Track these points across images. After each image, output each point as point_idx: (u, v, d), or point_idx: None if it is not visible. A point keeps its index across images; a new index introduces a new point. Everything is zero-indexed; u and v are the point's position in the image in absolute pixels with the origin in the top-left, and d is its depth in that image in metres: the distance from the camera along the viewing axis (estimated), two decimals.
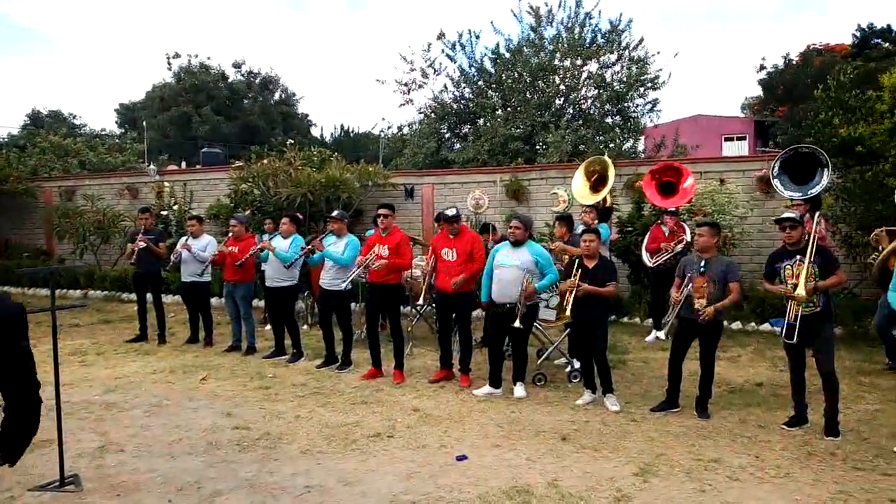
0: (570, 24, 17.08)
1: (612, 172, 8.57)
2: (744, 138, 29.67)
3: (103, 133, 31.11)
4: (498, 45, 17.88)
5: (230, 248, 7.81)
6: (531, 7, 17.36)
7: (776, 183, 7.61)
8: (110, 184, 14.78)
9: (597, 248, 5.81)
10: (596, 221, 7.68)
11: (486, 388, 6.04)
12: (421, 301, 7.72)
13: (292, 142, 12.72)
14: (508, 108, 17.49)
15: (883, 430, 5.00)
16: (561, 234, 7.26)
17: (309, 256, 7.11)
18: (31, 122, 32.65)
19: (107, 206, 13.50)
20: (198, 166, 18.56)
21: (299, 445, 4.80)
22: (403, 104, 21.17)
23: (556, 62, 17.11)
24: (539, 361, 6.90)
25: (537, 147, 16.43)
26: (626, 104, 17.16)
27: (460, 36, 17.74)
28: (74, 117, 36.67)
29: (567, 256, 6.60)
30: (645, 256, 8.23)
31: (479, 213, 11.26)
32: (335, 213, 7.21)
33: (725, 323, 7.60)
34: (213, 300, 8.93)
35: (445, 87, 18.37)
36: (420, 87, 18.48)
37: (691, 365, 5.52)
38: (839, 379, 5.05)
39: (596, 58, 17.06)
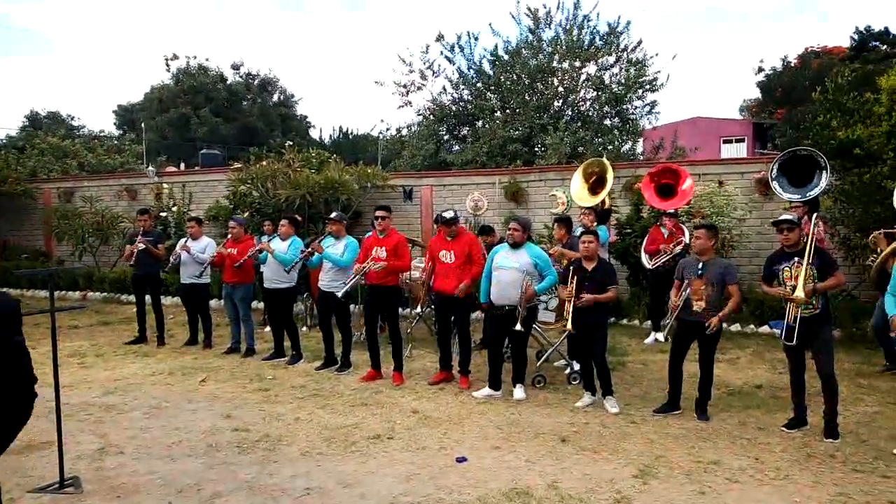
0: (568, 26, 17.09)
1: (610, 174, 8.61)
2: (742, 140, 29.65)
3: (102, 134, 31.15)
4: (496, 46, 17.84)
5: (229, 250, 7.80)
6: (529, 9, 17.41)
7: (775, 185, 7.62)
8: (109, 185, 14.75)
9: (596, 250, 5.82)
10: (595, 223, 7.67)
11: (486, 390, 6.04)
12: (419, 309, 7.73)
13: (291, 143, 12.67)
14: (507, 110, 17.50)
15: (882, 432, 5.02)
16: (560, 235, 7.27)
17: (308, 259, 7.10)
18: (30, 124, 32.56)
19: (105, 207, 13.47)
20: (196, 168, 18.53)
21: (299, 447, 4.80)
22: (402, 106, 21.15)
23: (555, 64, 17.12)
24: (538, 363, 6.90)
25: (536, 149, 16.41)
26: (624, 106, 17.17)
27: (459, 38, 17.77)
28: (73, 119, 36.82)
29: (566, 260, 6.60)
30: (644, 258, 8.23)
31: (478, 215, 11.27)
32: (334, 214, 7.20)
33: (724, 325, 7.59)
34: (213, 302, 8.92)
35: (444, 88, 18.41)
36: (419, 88, 18.53)
37: (690, 367, 5.52)
38: (838, 381, 5.06)
39: (594, 60, 17.07)
